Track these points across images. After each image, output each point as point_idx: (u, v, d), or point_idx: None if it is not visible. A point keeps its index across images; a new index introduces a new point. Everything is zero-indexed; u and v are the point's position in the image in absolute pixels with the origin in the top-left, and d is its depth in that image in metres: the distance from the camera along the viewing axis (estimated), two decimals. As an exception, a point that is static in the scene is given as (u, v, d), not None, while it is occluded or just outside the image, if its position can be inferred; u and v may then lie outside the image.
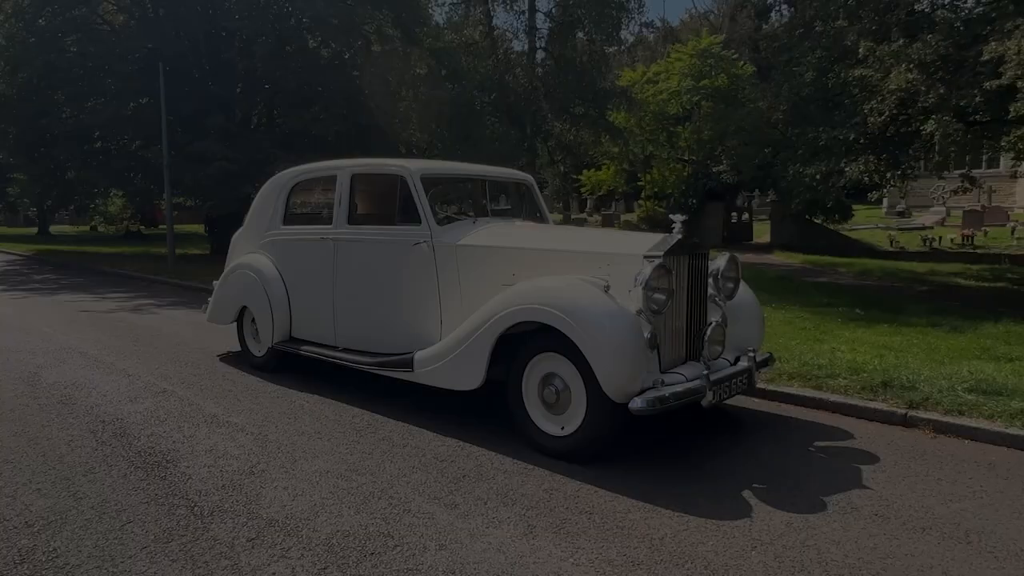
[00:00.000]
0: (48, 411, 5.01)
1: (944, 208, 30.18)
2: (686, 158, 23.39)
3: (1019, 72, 6.83)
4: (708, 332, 4.15)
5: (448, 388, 4.41)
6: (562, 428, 3.95)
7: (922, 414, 4.56)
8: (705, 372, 3.93)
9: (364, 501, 3.43)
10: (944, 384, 4.97)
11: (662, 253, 3.98)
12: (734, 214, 21.81)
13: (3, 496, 3.55)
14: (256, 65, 16.05)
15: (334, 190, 5.45)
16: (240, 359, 6.53)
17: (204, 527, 3.20)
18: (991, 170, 30.72)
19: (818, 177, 10.13)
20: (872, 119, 9.06)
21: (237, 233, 6.71)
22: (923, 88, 8.12)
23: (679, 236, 4.13)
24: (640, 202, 24.32)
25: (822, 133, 10.17)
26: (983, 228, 20.92)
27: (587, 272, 4.13)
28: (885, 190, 12.27)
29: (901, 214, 32.60)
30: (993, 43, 7.39)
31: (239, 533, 3.13)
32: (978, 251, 18.29)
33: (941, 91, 8.10)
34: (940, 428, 4.44)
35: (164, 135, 15.98)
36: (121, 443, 4.33)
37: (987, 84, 7.30)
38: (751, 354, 4.38)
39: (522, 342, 4.10)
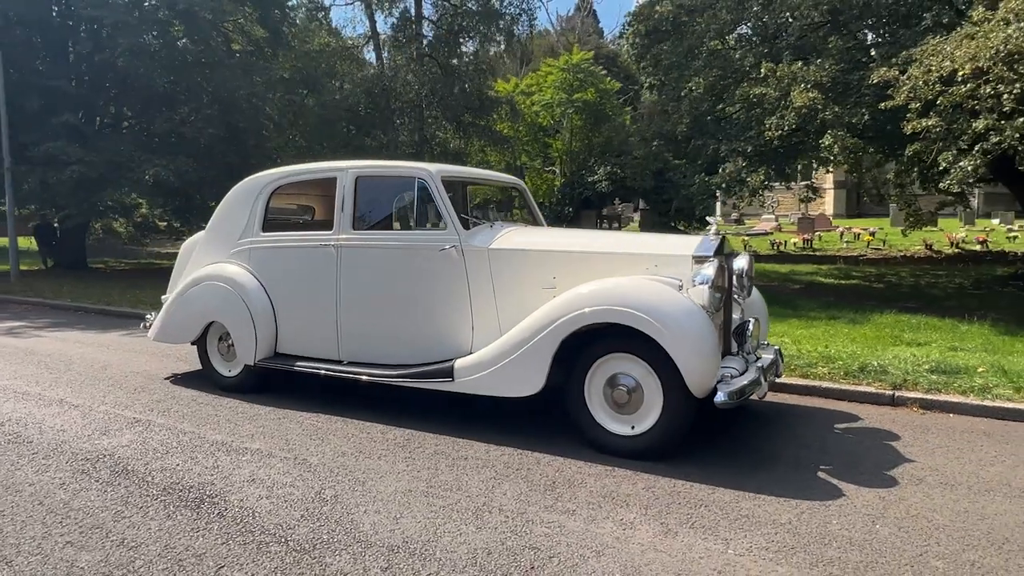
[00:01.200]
0: (4, 452, 4.24)
1: (774, 216, 33.76)
2: (556, 168, 24.29)
3: (911, 95, 7.89)
4: (750, 328, 4.39)
5: (499, 396, 4.30)
6: (632, 427, 3.99)
7: (907, 394, 5.12)
8: (760, 364, 4.17)
9: (476, 516, 3.27)
10: (908, 368, 5.61)
11: (712, 253, 4.17)
12: (605, 221, 22.92)
13: (28, 556, 2.97)
14: (116, 59, 14.45)
15: (329, 193, 5.11)
16: (199, 380, 5.89)
17: (320, 562, 2.89)
18: (805, 181, 34.60)
19: (723, 186, 11.00)
20: (770, 133, 9.99)
21: (191, 241, 6.08)
22: (820, 106, 9.11)
23: (720, 237, 4.34)
24: (515, 211, 24.78)
25: (721, 145, 11.05)
26: (816, 233, 23.64)
27: (632, 272, 4.23)
28: (766, 197, 13.55)
29: (737, 221, 36.01)
30: (883, 69, 8.46)
31: (368, 564, 2.86)
32: (817, 253, 20.64)
33: (836, 109, 9.14)
34: (925, 405, 5.01)
35: (4, 134, 13.97)
36: (132, 481, 3.77)
37: (883, 105, 8.35)
38: (774, 347, 4.69)
39: (581, 344, 4.09)
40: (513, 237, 4.71)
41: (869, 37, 10.88)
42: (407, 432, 4.52)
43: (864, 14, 10.10)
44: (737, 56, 11.60)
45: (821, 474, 3.79)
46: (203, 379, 5.94)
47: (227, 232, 5.61)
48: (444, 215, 4.69)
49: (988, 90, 7.37)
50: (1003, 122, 7.64)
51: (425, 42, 17.31)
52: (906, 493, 3.52)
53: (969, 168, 7.93)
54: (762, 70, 9.82)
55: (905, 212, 15.30)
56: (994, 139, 7.73)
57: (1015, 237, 21.53)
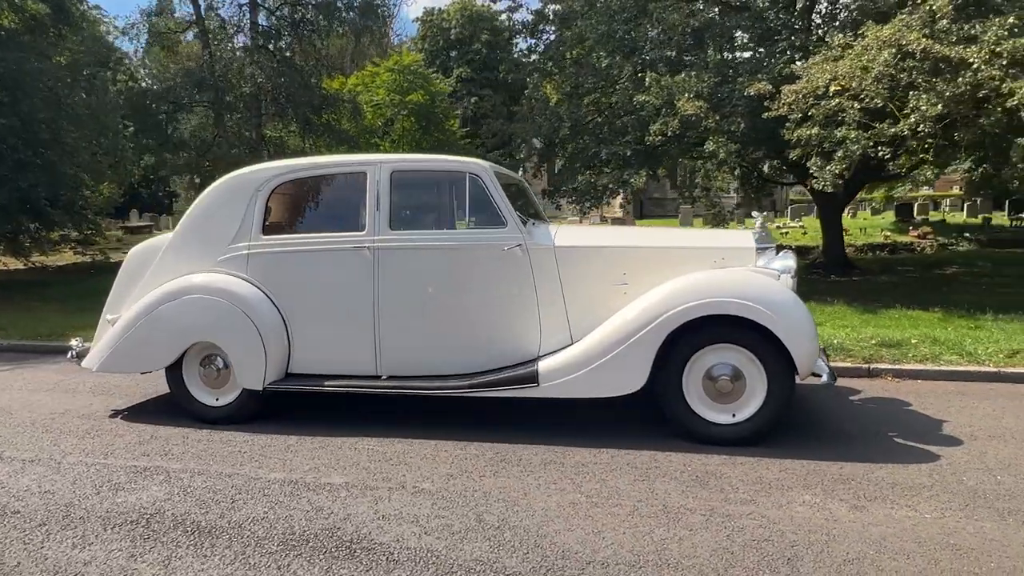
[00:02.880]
0: (21, 530, 3.25)
1: (579, 219, 36.17)
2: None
3: (794, 108, 8.97)
4: (800, 314, 4.72)
5: (592, 397, 4.18)
6: (733, 415, 4.11)
7: (879, 366, 5.84)
8: (823, 347, 4.50)
9: (673, 519, 3.16)
10: (861, 345, 6.40)
11: (772, 245, 4.46)
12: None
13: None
14: None
15: (350, 191, 4.59)
16: (164, 414, 4.94)
17: (574, 590, 2.62)
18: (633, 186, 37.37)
19: (611, 186, 11.59)
20: (650, 138, 10.74)
21: (144, 248, 5.08)
22: (703, 114, 9.99)
23: (767, 231, 4.63)
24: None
25: (601, 148, 11.65)
26: (629, 233, 25.79)
27: (701, 266, 4.36)
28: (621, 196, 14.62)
29: (545, 223, 37.99)
30: (760, 84, 9.51)
31: (628, 583, 2.66)
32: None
33: (717, 117, 10.08)
34: (897, 375, 5.76)
35: None
36: (227, 539, 3.10)
37: (765, 115, 9.39)
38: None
39: (674, 338, 4.10)
40: (573, 234, 4.60)
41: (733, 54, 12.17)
42: (490, 446, 4.19)
43: (725, 33, 11.27)
44: (604, 65, 12.30)
45: (897, 440, 4.21)
46: (165, 412, 5.00)
47: (210, 236, 4.75)
48: (503, 212, 4.43)
49: (853, 104, 8.63)
50: (857, 132, 8.99)
51: (260, 31, 15.79)
52: (979, 447, 4.04)
53: (837, 171, 9.22)
54: (647, 80, 10.56)
55: (712, 212, 17.29)
56: (853, 146, 9.06)
57: (787, 232, 25.29)
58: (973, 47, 7.85)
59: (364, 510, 3.35)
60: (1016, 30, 7.79)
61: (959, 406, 4.93)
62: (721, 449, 4.03)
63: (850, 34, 8.99)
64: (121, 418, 5.00)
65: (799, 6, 10.48)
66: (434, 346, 4.51)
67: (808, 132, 8.91)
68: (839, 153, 9.26)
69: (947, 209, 30.77)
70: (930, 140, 8.70)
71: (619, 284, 4.41)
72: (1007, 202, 26.38)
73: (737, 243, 4.48)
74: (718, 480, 3.61)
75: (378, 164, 4.55)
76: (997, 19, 7.96)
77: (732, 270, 4.22)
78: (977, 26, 8.06)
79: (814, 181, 9.72)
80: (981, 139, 8.65)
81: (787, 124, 9.36)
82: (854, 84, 8.14)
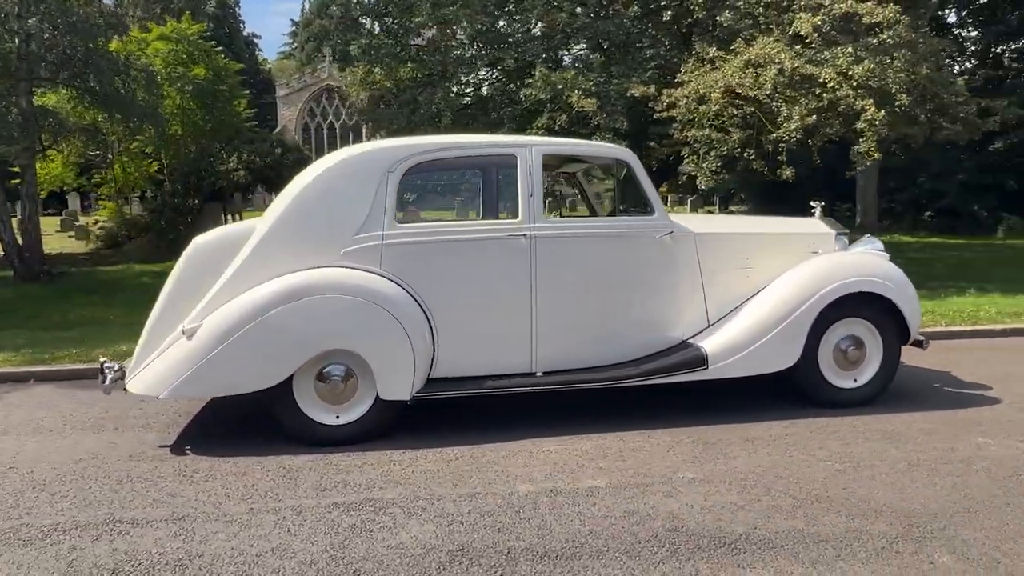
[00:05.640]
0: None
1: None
2: (150, 152, 20.62)
3: (680, 109, 9.96)
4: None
5: (753, 375, 4.43)
6: (855, 380, 4.67)
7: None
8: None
9: (932, 471, 3.59)
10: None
11: (846, 231, 5.14)
12: (229, 215, 20.55)
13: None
14: None
15: (492, 174, 4.24)
16: (240, 441, 4.06)
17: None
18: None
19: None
20: (533, 132, 11.09)
21: (214, 240, 4.10)
22: (595, 111, 10.60)
23: (830, 219, 5.30)
24: (101, 203, 20.02)
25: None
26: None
27: (800, 251, 4.88)
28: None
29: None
30: (643, 86, 10.40)
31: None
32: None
33: (604, 115, 10.75)
34: (857, 339, 6.88)
35: None
36: (629, 552, 2.82)
37: (656, 115, 10.28)
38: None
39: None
40: (703, 223, 4.80)
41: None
42: (674, 431, 4.19)
43: (575, 38, 12.03)
44: (469, 55, 12.33)
45: (949, 389, 5.15)
46: (236, 440, 4.16)
47: (328, 226, 3.99)
48: (652, 200, 4.45)
49: (732, 110, 9.94)
50: (739, 134, 10.38)
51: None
52: (1012, 387, 5.09)
53: (713, 167, 10.52)
54: (536, 73, 10.85)
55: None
56: (722, 147, 10.43)
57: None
58: (827, 69, 9.52)
59: (675, 506, 3.24)
60: (855, 57, 9.63)
61: (941, 360, 6.00)
62: (842, 412, 4.53)
63: (719, 51, 10.27)
64: (192, 453, 3.98)
65: (664, 18, 11.61)
66: (591, 337, 4.37)
67: (700, 133, 10.02)
68: (713, 153, 10.55)
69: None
70: (782, 144, 10.37)
71: (744, 268, 4.71)
72: (717, 198, 31.52)
73: (821, 229, 5.06)
74: (900, 436, 4.12)
75: (528, 147, 4.25)
76: (840, 48, 9.75)
77: (857, 254, 4.80)
78: (826, 52, 9.80)
79: (691, 178, 10.91)
80: (827, 144, 10.50)
81: (674, 124, 10.41)
82: (751, 93, 9.36)
